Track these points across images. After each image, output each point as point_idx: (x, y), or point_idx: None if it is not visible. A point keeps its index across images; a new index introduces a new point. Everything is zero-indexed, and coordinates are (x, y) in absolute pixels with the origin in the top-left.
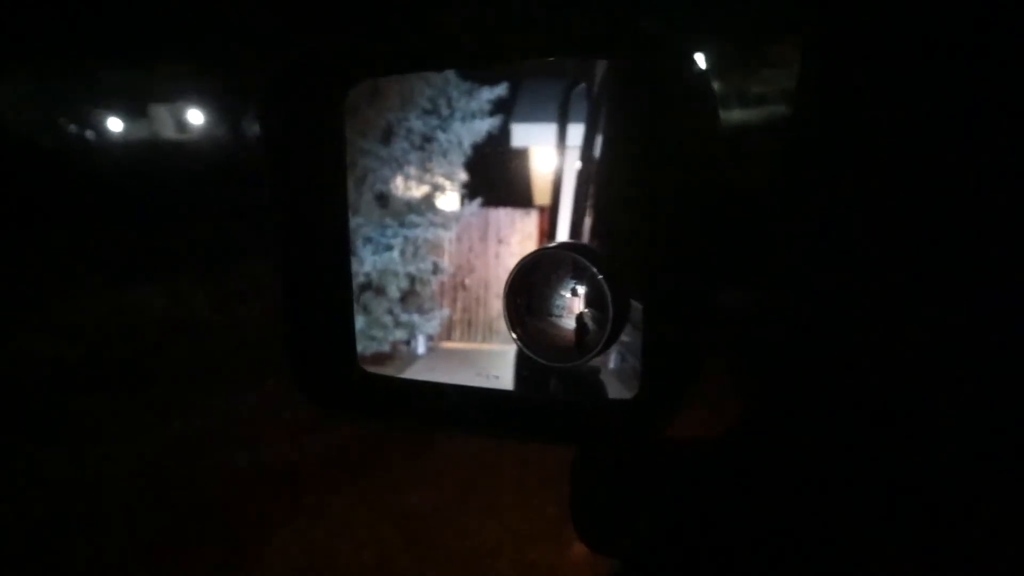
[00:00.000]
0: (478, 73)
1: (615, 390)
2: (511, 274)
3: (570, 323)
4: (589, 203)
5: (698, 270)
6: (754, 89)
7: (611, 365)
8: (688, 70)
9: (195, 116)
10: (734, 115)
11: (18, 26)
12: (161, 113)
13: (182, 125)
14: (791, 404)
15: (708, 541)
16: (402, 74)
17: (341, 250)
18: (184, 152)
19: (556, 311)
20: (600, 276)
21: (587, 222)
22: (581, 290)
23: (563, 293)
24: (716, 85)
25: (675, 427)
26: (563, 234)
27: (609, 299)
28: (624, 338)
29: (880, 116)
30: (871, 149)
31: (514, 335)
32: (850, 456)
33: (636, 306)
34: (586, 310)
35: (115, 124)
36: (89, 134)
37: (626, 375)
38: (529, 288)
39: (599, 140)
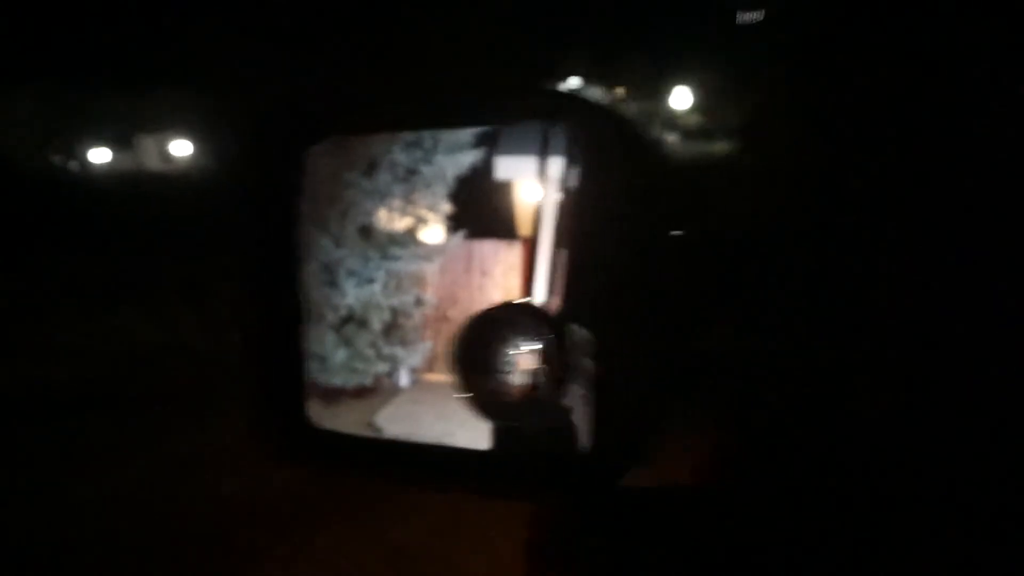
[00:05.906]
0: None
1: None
2: (458, 333)
3: (522, 380)
4: (565, 238)
5: (649, 320)
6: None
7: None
8: (619, 129)
9: (181, 146)
10: (718, 149)
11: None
12: (147, 143)
13: (167, 155)
14: (774, 448)
15: None
16: (362, 135)
17: (294, 308)
18: (170, 181)
19: (507, 368)
20: (552, 335)
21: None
22: (532, 347)
23: (513, 352)
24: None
25: (644, 477)
26: (544, 265)
27: (557, 357)
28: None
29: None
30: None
31: (462, 395)
32: (840, 493)
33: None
34: (538, 367)
35: (102, 154)
36: (74, 164)
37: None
38: (479, 346)
39: (573, 175)
